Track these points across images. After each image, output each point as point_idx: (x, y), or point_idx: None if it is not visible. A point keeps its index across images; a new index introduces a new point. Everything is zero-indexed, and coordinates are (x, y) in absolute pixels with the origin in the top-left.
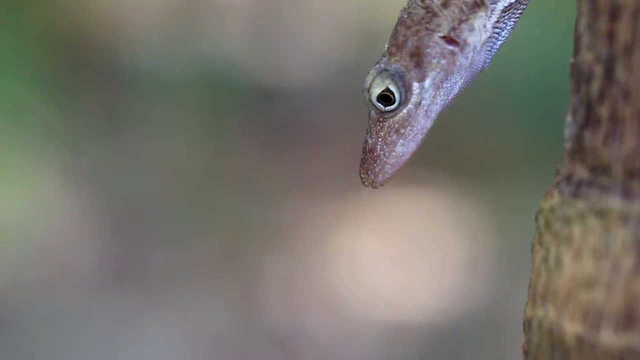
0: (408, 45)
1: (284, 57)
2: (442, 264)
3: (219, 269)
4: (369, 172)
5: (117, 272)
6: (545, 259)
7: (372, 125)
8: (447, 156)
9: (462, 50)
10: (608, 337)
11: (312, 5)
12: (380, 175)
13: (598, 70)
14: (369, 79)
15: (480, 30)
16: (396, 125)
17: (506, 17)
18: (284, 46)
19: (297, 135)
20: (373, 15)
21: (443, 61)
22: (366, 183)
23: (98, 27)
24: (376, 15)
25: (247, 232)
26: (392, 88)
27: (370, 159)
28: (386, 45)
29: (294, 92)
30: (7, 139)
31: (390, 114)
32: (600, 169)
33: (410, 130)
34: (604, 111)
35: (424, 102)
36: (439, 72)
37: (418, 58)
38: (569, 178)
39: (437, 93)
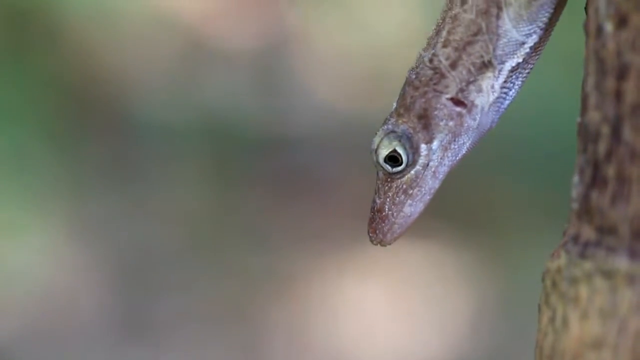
0: (416, 107)
1: (290, 106)
2: (448, 317)
3: (225, 318)
4: (377, 232)
5: (123, 321)
6: (552, 320)
7: (380, 185)
8: (454, 209)
9: (469, 111)
10: None
11: (318, 55)
12: (389, 235)
13: (605, 130)
14: (376, 140)
15: (488, 91)
16: (404, 186)
17: (514, 76)
18: (290, 96)
19: (303, 185)
20: (380, 65)
21: (451, 123)
22: (375, 242)
23: (104, 77)
24: (383, 66)
25: (253, 282)
26: (400, 150)
27: (378, 219)
28: (394, 105)
29: (300, 142)
30: (14, 188)
31: (398, 175)
32: (607, 230)
33: (418, 191)
34: (611, 171)
35: (431, 163)
36: (446, 134)
37: (426, 120)
38: (575, 238)
39: (445, 154)
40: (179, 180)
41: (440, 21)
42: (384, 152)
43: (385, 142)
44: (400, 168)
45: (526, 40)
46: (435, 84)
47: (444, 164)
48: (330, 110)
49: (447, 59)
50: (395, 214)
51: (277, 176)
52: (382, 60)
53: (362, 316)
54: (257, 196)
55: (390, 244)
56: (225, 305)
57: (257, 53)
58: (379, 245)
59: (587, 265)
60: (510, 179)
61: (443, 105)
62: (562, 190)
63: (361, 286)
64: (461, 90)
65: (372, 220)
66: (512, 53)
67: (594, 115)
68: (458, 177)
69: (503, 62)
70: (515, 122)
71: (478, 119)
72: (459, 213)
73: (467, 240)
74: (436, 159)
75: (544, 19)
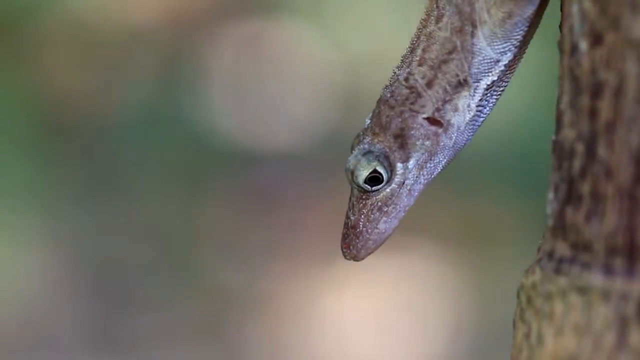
0: (392, 127)
1: (266, 122)
2: (426, 330)
3: (201, 334)
4: (351, 247)
5: (98, 337)
6: (527, 335)
7: (354, 202)
8: (432, 223)
9: (445, 131)
10: None
11: (293, 70)
12: (363, 251)
13: (580, 147)
14: (352, 160)
15: (464, 110)
16: (379, 204)
17: (489, 94)
18: (266, 111)
19: (279, 201)
20: (355, 81)
21: (427, 142)
22: (348, 257)
23: (82, 93)
24: (359, 83)
25: (229, 297)
26: (380, 169)
27: (352, 235)
28: (367, 121)
29: (276, 157)
30: None
31: (374, 193)
32: (581, 246)
33: (394, 208)
34: (585, 188)
35: (407, 181)
36: (422, 153)
37: (402, 140)
38: (550, 254)
39: (421, 173)
40: (153, 195)
41: (415, 39)
42: (364, 173)
43: (364, 162)
44: (379, 187)
45: (501, 58)
46: (411, 103)
47: (420, 182)
48: (306, 126)
49: (423, 77)
50: (369, 230)
51: (253, 192)
52: (358, 77)
53: (339, 331)
54: (233, 212)
55: (363, 259)
56: (201, 321)
57: (232, 69)
58: (352, 260)
59: (562, 281)
60: (490, 194)
61: (419, 125)
62: (541, 203)
63: (338, 301)
64: (437, 109)
65: (345, 236)
66: (487, 71)
67: (568, 133)
68: (437, 191)
69: (478, 81)
70: (493, 137)
71: (454, 137)
72: (437, 227)
73: (445, 253)
74: (412, 177)
75: (518, 36)
